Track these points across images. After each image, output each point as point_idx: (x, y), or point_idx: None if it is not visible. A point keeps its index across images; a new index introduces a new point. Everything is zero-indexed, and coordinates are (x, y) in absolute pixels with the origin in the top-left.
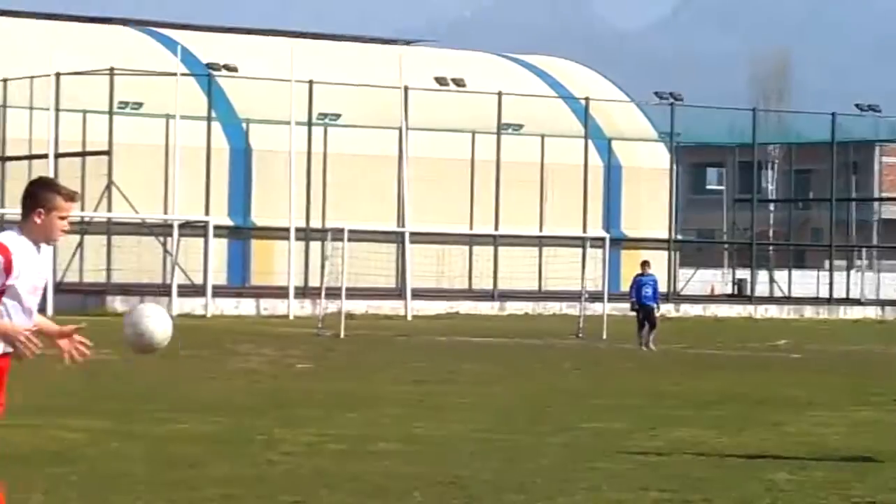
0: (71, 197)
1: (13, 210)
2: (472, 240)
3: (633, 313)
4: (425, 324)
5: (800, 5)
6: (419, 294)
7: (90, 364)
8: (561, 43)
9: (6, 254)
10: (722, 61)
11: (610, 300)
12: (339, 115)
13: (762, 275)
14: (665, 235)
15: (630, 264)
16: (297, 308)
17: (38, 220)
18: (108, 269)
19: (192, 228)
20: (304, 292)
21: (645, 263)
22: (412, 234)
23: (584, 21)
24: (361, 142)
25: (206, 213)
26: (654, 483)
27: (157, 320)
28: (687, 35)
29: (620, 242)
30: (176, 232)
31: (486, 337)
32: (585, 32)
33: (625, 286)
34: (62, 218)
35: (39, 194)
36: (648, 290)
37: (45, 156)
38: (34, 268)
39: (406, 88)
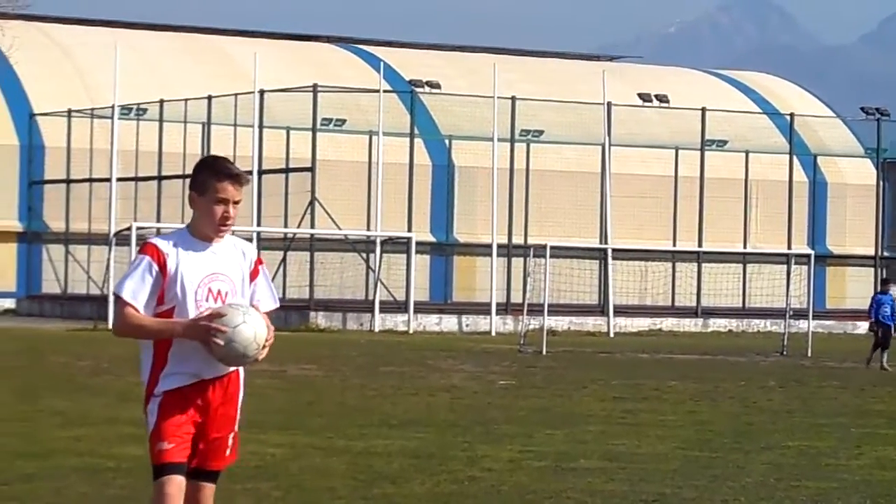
0: (227, 176)
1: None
2: (675, 256)
3: (871, 332)
4: (628, 340)
5: None
6: (622, 311)
7: (293, 380)
8: (767, 59)
9: (157, 255)
10: None
11: (815, 317)
12: (541, 132)
13: None
14: (871, 252)
15: (835, 281)
16: (499, 324)
17: (196, 208)
18: (311, 285)
19: (395, 245)
20: (507, 308)
21: (886, 282)
22: (615, 250)
23: (790, 37)
24: (564, 158)
25: (409, 229)
26: (858, 502)
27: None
28: (892, 50)
29: (825, 259)
30: (378, 248)
31: (689, 354)
32: (792, 48)
33: (830, 303)
34: (218, 202)
35: (194, 175)
36: (887, 310)
37: (249, 172)
38: (198, 268)
39: (609, 104)
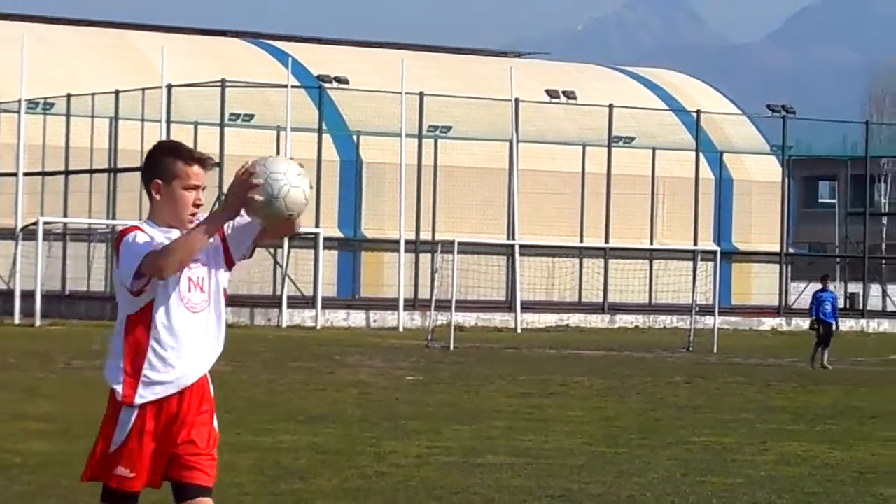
0: (196, 160)
1: (126, 221)
2: (582, 252)
3: (813, 330)
4: (535, 336)
5: None
6: (529, 307)
7: None
8: (674, 57)
9: (148, 236)
10: (833, 73)
11: (721, 314)
12: (449, 128)
13: (875, 289)
14: (776, 249)
15: (741, 278)
16: (406, 320)
17: (158, 196)
18: None
19: (303, 240)
20: (414, 304)
21: (825, 279)
22: (522, 246)
23: (697, 35)
24: (472, 154)
25: (317, 224)
26: (764, 497)
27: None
28: (798, 47)
29: (731, 256)
30: (286, 244)
31: (595, 350)
32: (699, 46)
33: (735, 299)
34: (189, 188)
35: (154, 162)
36: (828, 307)
37: None
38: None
39: (517, 101)
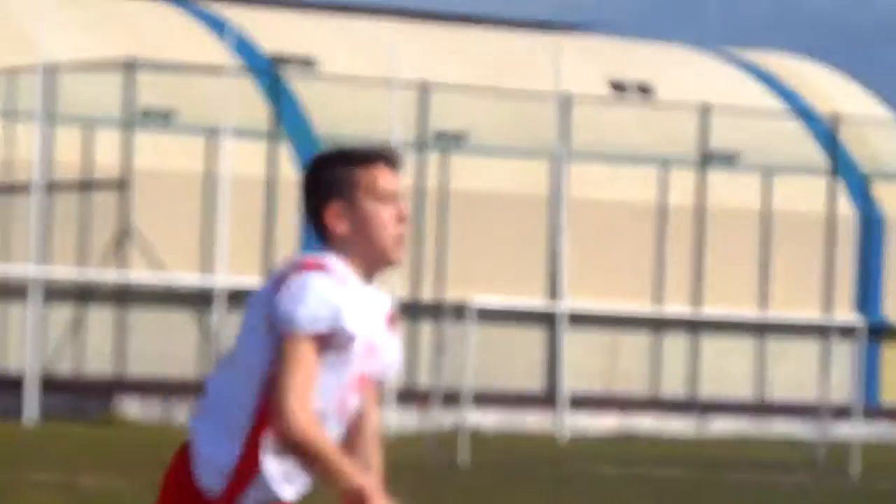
0: (377, 156)
1: None
2: (659, 324)
3: None
4: (587, 448)
5: None
6: (580, 402)
7: (88, 497)
8: (794, 32)
9: (332, 293)
10: None
11: (866, 417)
12: (465, 134)
13: None
14: None
15: (895, 365)
16: (396, 421)
17: (345, 227)
18: (120, 357)
19: (247, 296)
20: (409, 395)
21: None
22: (571, 314)
23: (830, 2)
24: (498, 174)
25: (266, 273)
26: None
27: None
28: None
29: (881, 332)
30: (222, 302)
31: (676, 467)
32: (831, 16)
33: (887, 396)
34: (388, 197)
35: (320, 182)
36: None
37: (28, 186)
38: (368, 330)
39: (568, 97)
